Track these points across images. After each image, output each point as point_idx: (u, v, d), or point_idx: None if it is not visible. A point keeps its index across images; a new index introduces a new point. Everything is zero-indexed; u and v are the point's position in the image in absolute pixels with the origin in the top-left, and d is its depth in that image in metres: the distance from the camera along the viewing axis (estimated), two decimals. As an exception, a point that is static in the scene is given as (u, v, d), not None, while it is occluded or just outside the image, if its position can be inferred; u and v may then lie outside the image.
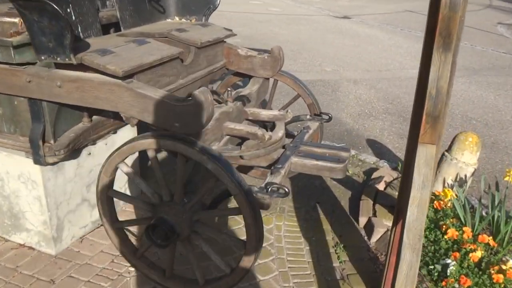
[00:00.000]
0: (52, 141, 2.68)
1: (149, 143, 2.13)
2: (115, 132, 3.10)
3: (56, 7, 1.94)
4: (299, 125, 4.74)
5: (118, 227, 2.44)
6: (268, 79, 3.13)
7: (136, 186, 3.44)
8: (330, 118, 3.10)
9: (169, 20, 3.33)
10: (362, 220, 3.39)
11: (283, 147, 2.65)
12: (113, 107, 2.24)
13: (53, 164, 2.73)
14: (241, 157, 2.48)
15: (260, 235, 2.09)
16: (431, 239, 2.90)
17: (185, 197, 2.23)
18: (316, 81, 7.52)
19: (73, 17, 2.54)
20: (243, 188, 2.01)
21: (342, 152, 2.61)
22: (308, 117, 3.08)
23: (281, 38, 10.81)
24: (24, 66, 2.41)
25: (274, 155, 2.56)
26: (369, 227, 3.28)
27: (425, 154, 2.17)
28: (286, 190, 2.14)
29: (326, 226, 3.43)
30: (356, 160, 4.53)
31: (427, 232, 2.92)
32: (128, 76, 2.21)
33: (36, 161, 2.68)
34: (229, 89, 3.41)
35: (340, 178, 2.84)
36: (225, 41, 3.12)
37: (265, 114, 2.76)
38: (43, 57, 2.24)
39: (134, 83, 2.19)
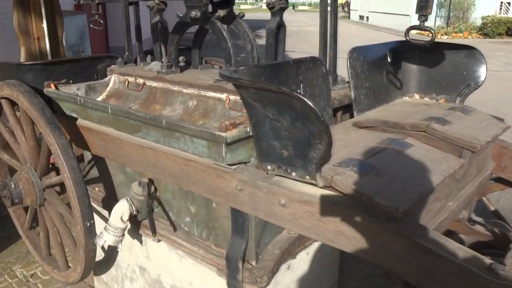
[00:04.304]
0: (253, 262, 1.99)
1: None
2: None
3: (313, 106, 1.21)
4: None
5: None
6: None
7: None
8: None
9: (406, 98, 2.50)
10: None
11: None
12: (369, 256, 1.42)
13: (252, 291, 2.02)
14: None
15: None
16: None
17: None
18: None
19: (304, 102, 1.84)
20: None
21: None
22: None
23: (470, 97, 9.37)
24: (234, 166, 1.76)
25: None
26: None
27: None
28: None
29: None
30: None
31: None
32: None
33: (231, 286, 2.00)
34: None
35: None
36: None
37: None
38: (269, 167, 1.55)
39: (407, 224, 1.35)
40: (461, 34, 22.66)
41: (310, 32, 23.10)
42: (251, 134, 1.74)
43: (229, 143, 1.67)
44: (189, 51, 2.90)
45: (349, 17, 35.86)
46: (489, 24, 22.51)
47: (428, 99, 2.45)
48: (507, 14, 24.57)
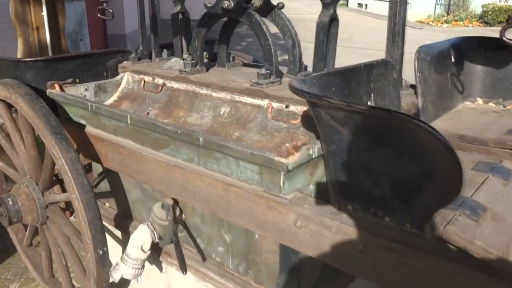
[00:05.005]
0: (305, 306, 1.67)
1: None
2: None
3: (447, 142, 0.87)
4: None
5: None
6: None
7: None
8: None
9: (467, 103, 2.16)
10: None
11: None
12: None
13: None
14: None
15: None
16: None
17: None
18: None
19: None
20: None
21: None
22: None
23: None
24: (289, 196, 1.42)
25: None
26: None
27: None
28: None
29: None
30: None
31: None
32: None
33: (278, 333, 1.68)
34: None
35: None
36: None
37: None
38: (350, 207, 1.21)
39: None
40: (461, 23, 22.30)
41: (309, 20, 22.65)
42: (313, 157, 1.40)
43: (290, 170, 1.33)
44: (208, 44, 2.55)
45: (347, 5, 35.30)
46: (490, 12, 22.17)
47: (494, 105, 2.12)
48: (507, 2, 24.23)
